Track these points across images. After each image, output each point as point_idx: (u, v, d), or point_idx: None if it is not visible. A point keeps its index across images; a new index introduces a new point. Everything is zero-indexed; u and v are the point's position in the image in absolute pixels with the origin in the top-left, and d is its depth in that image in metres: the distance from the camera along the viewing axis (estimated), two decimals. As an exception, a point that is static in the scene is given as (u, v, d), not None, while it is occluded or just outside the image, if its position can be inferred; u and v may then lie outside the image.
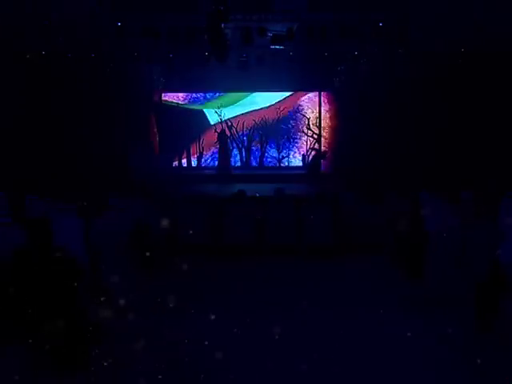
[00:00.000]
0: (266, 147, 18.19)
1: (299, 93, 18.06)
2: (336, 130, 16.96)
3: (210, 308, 5.76)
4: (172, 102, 18.03)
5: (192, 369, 4.33)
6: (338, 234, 8.44)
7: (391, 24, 11.15)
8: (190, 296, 6.21)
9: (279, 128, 18.14)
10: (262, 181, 14.84)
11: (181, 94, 18.12)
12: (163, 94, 17.78)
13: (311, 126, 17.96)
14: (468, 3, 9.66)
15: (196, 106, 18.29)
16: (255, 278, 7.18)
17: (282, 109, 18.05)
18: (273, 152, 18.25)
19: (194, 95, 18.24)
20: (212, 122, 18.22)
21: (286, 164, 18.13)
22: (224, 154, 17.50)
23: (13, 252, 4.13)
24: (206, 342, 4.76)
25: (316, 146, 17.78)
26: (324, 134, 17.80)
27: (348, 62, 14.62)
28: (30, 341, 3.93)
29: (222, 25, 11.89)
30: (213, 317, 5.46)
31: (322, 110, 17.95)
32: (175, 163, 18.00)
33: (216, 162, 17.81)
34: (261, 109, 18.21)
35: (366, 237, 8.13)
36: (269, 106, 18.19)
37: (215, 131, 17.93)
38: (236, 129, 18.18)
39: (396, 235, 7.17)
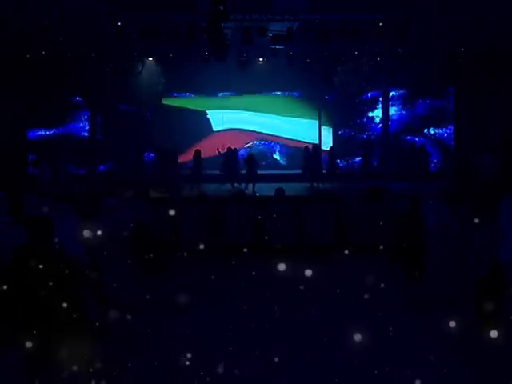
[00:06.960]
0: None
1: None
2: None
3: (210, 308, 5.76)
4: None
5: (192, 368, 4.32)
6: (338, 234, 8.41)
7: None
8: (189, 296, 6.20)
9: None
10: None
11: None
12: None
13: None
14: None
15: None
16: (255, 277, 7.16)
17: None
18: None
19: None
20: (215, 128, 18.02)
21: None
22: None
23: (14, 251, 4.12)
24: (206, 342, 4.75)
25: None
26: None
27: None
28: (30, 340, 3.92)
29: (222, 25, 11.92)
30: (213, 317, 5.46)
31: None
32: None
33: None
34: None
35: (366, 237, 8.10)
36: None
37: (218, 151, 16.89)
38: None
39: (396, 235, 7.15)
